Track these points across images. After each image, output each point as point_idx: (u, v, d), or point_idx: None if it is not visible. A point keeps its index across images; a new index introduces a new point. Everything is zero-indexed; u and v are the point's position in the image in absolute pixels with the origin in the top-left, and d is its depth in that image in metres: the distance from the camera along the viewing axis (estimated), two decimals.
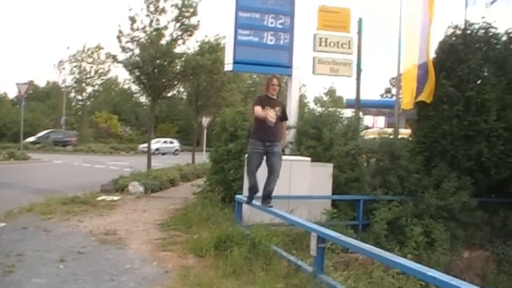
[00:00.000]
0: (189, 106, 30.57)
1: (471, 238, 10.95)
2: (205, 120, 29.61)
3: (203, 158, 24.05)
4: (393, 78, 48.61)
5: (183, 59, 20.17)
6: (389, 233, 9.97)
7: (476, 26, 11.50)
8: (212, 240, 7.48)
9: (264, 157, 8.17)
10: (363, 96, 16.14)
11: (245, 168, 8.56)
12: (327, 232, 6.19)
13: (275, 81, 8.38)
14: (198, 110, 27.97)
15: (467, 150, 10.87)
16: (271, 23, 12.01)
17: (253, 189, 8.35)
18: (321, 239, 6.11)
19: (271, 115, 7.74)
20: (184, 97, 32.19)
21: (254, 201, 8.54)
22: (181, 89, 30.08)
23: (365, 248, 5.51)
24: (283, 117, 8.43)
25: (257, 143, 8.15)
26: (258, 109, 8.07)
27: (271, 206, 8.17)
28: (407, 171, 11.10)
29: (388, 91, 62.82)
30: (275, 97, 8.40)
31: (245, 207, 9.26)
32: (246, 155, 8.37)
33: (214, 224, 8.96)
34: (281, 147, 8.38)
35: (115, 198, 12.90)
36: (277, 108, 8.17)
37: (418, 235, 9.85)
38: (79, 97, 62.64)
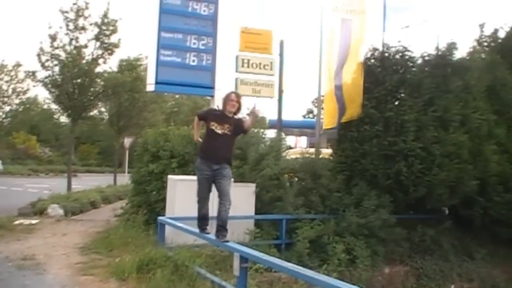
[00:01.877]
0: (110, 127, 30.05)
1: (391, 254, 11.32)
2: (127, 141, 29.14)
3: (125, 179, 23.64)
4: (315, 99, 49.60)
5: (103, 78, 19.91)
6: (312, 251, 10.15)
7: (393, 49, 11.97)
8: (135, 263, 7.41)
9: None
10: (286, 117, 16.42)
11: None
12: (249, 252, 6.25)
13: (233, 96, 7.51)
14: (120, 130, 27.56)
15: (386, 169, 11.30)
16: (194, 44, 12.11)
17: (203, 219, 7.60)
18: (244, 259, 6.18)
19: (198, 140, 7.70)
20: (106, 117, 31.66)
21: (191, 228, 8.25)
22: (103, 109, 29.63)
23: (287, 266, 5.61)
24: (237, 131, 7.49)
25: (203, 167, 7.32)
26: (195, 123, 7.84)
27: (227, 241, 7.12)
28: (329, 190, 11.40)
29: (310, 112, 63.96)
30: (231, 115, 7.45)
31: (168, 228, 9.18)
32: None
33: (137, 246, 8.87)
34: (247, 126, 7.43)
35: (34, 221, 12.53)
36: (226, 126, 7.33)
37: (340, 252, 10.10)
38: None
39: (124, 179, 24.55)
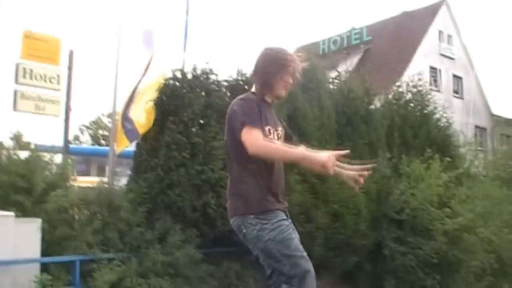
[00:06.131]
0: None
1: None
2: None
3: None
4: (84, 126, 46.66)
5: None
6: None
7: (199, 71, 11.10)
8: None
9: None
10: (48, 141, 14.38)
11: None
12: None
13: (296, 64, 3.98)
14: None
15: (193, 200, 10.30)
16: None
17: None
18: None
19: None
20: None
21: None
22: None
23: None
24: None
25: (279, 213, 3.83)
26: (265, 146, 3.68)
27: None
28: (129, 225, 9.94)
29: (76, 138, 59.97)
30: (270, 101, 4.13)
31: None
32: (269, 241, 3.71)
33: None
34: None
35: None
36: (280, 129, 4.12)
37: None
38: None
39: None
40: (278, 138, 3.98)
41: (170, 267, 9.67)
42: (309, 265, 3.62)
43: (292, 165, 11.29)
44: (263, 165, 3.78)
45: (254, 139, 3.63)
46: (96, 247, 9.26)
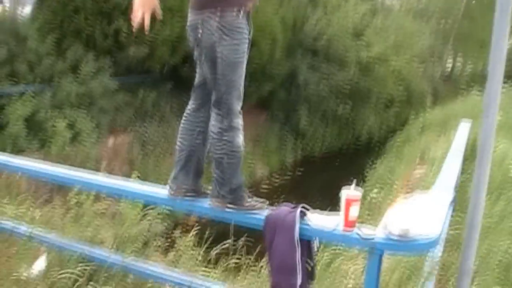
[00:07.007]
0: None
1: (113, 123, 10.28)
2: None
3: None
4: None
5: None
6: (29, 132, 8.38)
7: None
8: None
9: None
10: None
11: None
12: None
13: None
14: None
15: (103, 27, 9.90)
16: None
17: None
18: None
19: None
20: None
21: None
22: None
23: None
24: None
25: (246, 28, 3.01)
26: None
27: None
28: (38, 55, 9.44)
29: None
30: None
31: None
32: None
33: None
34: None
35: None
36: None
37: (63, 129, 8.57)
38: None
39: None
40: None
41: (85, 98, 9.54)
42: (238, 105, 3.15)
43: None
44: None
45: None
46: (4, 81, 8.78)
